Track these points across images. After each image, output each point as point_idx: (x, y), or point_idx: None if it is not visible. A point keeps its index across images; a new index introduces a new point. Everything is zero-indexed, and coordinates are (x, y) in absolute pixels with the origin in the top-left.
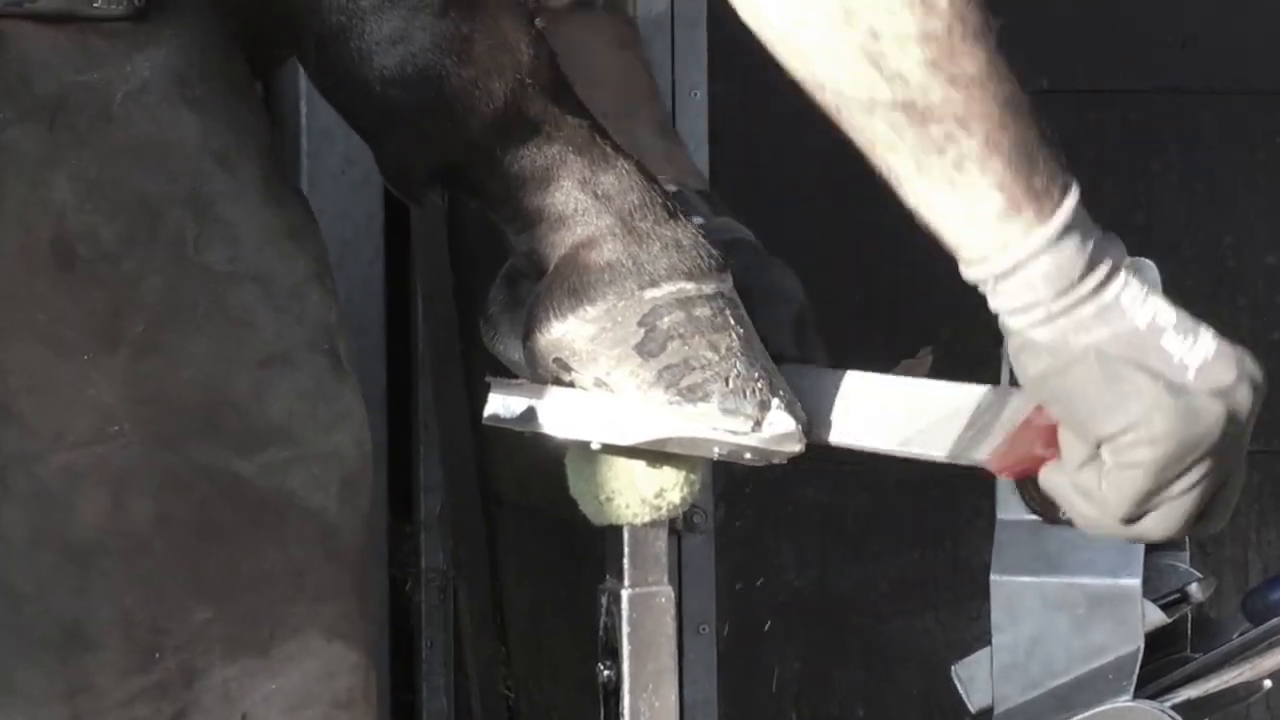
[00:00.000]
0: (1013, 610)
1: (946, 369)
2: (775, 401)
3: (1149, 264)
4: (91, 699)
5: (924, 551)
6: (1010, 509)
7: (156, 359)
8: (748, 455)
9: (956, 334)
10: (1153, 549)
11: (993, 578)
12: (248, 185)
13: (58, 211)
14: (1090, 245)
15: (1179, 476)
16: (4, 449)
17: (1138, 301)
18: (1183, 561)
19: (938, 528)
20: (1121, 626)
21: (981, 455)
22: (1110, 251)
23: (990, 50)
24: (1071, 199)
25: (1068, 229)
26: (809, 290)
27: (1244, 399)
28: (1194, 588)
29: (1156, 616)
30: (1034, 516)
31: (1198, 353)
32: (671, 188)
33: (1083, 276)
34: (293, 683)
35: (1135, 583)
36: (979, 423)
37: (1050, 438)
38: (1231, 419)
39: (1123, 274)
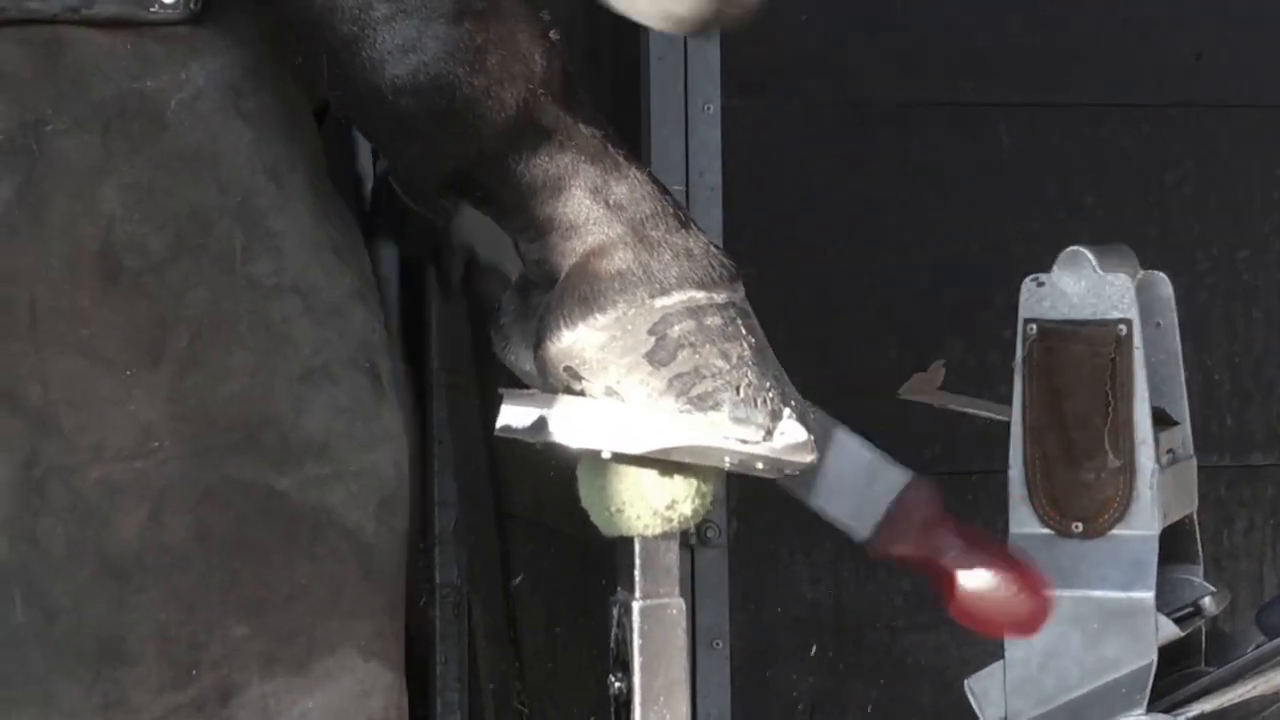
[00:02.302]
0: None
1: (958, 382)
2: (787, 411)
3: (1163, 277)
4: (126, 713)
5: None
6: (1024, 522)
7: (198, 374)
8: (759, 465)
9: (969, 347)
10: (1167, 562)
11: None
12: (295, 198)
13: (106, 222)
14: None
15: None
16: (43, 460)
17: None
18: (1196, 575)
19: None
20: (1135, 640)
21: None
22: None
23: None
24: None
25: None
26: (819, 302)
27: None
28: (1208, 601)
29: (1170, 630)
30: (1047, 530)
31: None
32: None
33: None
34: (330, 700)
35: (1149, 596)
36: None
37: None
38: None
39: None
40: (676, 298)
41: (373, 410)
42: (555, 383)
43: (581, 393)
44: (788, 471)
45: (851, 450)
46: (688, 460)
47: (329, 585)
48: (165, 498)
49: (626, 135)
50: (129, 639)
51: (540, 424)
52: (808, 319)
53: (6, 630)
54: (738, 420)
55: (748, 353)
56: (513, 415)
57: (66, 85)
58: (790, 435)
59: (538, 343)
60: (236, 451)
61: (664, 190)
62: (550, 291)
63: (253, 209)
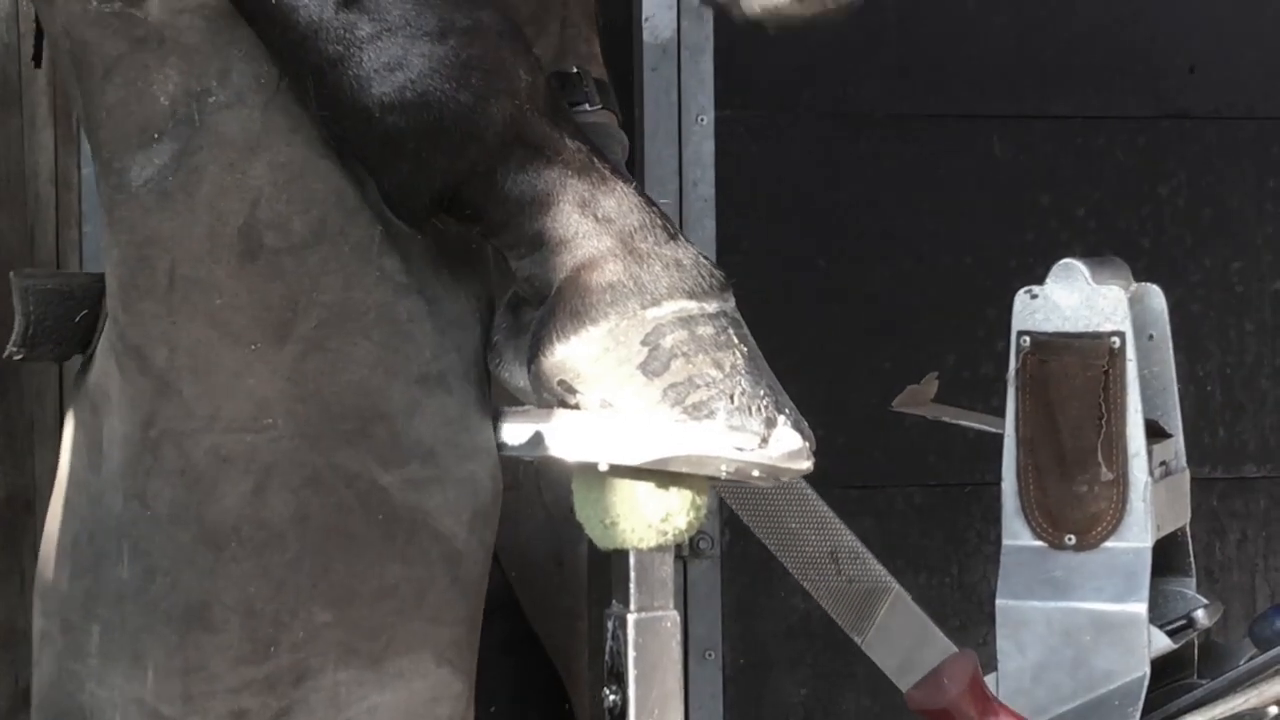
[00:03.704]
0: (1019, 636)
1: (952, 394)
2: (781, 418)
3: (1155, 290)
4: (204, 680)
5: (930, 576)
6: (1016, 534)
7: (320, 359)
8: (755, 473)
9: (962, 359)
10: (1159, 574)
11: (999, 603)
12: None
13: (254, 198)
14: None
15: None
16: (160, 421)
17: None
18: (1189, 587)
19: (944, 553)
20: (1127, 652)
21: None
22: None
23: None
24: None
25: None
26: (811, 313)
27: None
28: (1200, 614)
29: (1163, 642)
30: (1040, 542)
31: None
32: (572, 70)
33: None
34: (399, 699)
35: (1141, 608)
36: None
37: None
38: None
39: None
40: (668, 308)
41: (477, 423)
42: (550, 397)
43: (576, 406)
44: (783, 479)
45: (908, 611)
46: (685, 470)
47: (416, 587)
48: (270, 474)
49: None
50: (216, 607)
51: (536, 439)
52: (800, 330)
53: (114, 584)
54: (733, 428)
55: (740, 361)
56: (509, 432)
57: (238, 56)
58: (785, 442)
59: (531, 358)
60: (347, 441)
61: (650, 202)
62: (542, 307)
63: None
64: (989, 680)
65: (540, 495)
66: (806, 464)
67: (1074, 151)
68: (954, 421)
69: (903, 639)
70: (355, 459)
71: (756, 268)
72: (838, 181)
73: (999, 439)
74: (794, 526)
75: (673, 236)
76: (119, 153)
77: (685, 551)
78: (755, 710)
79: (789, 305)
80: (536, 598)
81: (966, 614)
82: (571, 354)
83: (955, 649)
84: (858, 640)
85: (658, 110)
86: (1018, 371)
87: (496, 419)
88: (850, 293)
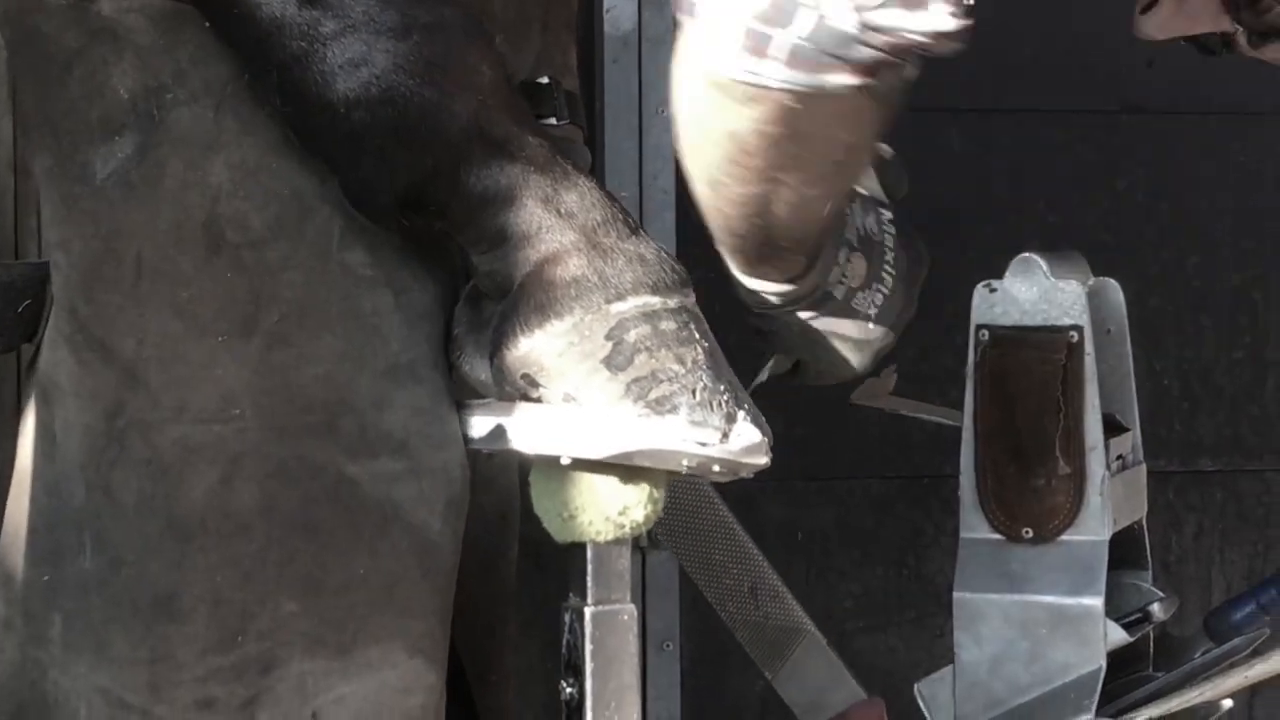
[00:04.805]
0: (975, 628)
1: (909, 387)
2: (741, 414)
3: (1114, 284)
4: (170, 669)
5: (887, 569)
6: (974, 527)
7: (286, 351)
8: (716, 467)
9: (920, 353)
10: (1116, 568)
11: (956, 595)
12: None
13: (214, 194)
14: None
15: None
16: (127, 412)
17: None
18: (1145, 580)
19: (901, 545)
20: (1084, 645)
21: None
22: None
23: None
24: None
25: None
26: None
27: None
28: (1156, 607)
29: (1119, 635)
30: (997, 535)
31: None
32: (544, 80)
33: None
34: (368, 689)
35: (1097, 602)
36: None
37: None
38: None
39: None
40: (632, 303)
41: (447, 412)
42: (513, 391)
43: (539, 400)
44: (743, 474)
45: (820, 653)
46: (646, 464)
47: (385, 579)
48: (237, 465)
49: None
50: (183, 597)
51: (499, 432)
52: None
53: (75, 575)
54: (695, 423)
55: (702, 357)
56: (471, 425)
57: (185, 60)
58: (746, 437)
59: (494, 351)
60: (312, 433)
61: (611, 197)
62: (504, 301)
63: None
64: (945, 672)
65: (475, 495)
66: (765, 459)
67: (1032, 145)
68: (912, 414)
69: (813, 680)
70: (322, 451)
71: (716, 262)
72: None
73: (957, 432)
74: (717, 559)
75: (634, 231)
76: (80, 145)
77: (644, 543)
78: (713, 702)
79: None
80: (460, 596)
81: (923, 606)
82: (536, 348)
83: (864, 695)
84: (769, 676)
85: (618, 102)
86: (976, 365)
87: (459, 411)
88: None
